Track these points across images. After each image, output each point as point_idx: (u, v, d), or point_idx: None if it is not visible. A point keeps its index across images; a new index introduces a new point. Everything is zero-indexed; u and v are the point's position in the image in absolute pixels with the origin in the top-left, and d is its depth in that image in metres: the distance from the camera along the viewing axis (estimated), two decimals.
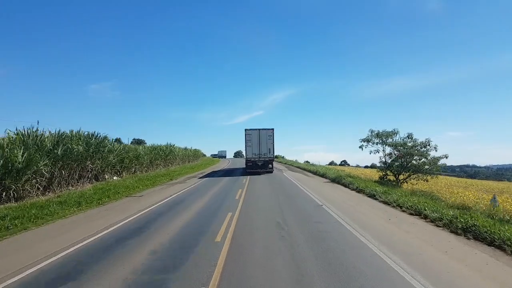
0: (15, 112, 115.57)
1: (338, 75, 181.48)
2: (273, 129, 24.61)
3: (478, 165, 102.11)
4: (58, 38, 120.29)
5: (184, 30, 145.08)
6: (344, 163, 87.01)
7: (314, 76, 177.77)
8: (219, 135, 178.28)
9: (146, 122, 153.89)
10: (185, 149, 47.66)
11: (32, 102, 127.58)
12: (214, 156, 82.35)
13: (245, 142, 24.49)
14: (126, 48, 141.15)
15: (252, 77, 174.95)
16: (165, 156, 33.47)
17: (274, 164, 28.15)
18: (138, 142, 55.66)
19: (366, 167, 67.48)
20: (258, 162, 24.37)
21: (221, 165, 41.79)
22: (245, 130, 24.49)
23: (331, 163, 77.56)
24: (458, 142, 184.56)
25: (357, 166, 70.38)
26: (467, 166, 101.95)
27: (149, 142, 56.59)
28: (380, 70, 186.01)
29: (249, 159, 24.51)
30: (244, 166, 26.04)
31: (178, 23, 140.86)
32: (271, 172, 24.67)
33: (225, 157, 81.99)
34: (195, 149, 55.73)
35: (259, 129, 24.55)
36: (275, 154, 27.18)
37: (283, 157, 62.44)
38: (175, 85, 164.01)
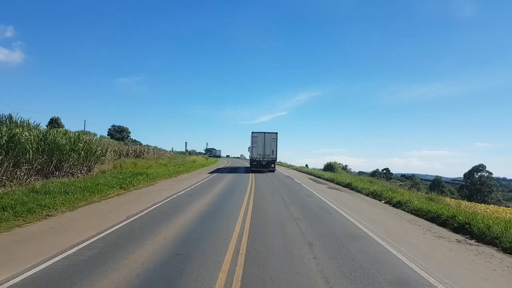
0: (44, 102, 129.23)
1: (362, 78, 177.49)
2: (276, 133, 27.42)
3: (508, 178, 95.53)
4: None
5: (209, 29, 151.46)
6: (387, 171, 77.36)
7: (339, 79, 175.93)
8: (240, 134, 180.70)
9: (165, 118, 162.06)
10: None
11: (51, 93, 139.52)
12: (209, 155, 76.46)
13: (251, 143, 27.48)
14: (153, 45, 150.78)
15: (275, 77, 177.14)
16: None
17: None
18: (119, 130, 43.19)
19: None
20: (262, 162, 27.24)
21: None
22: (252, 132, 27.47)
23: (375, 173, 65.40)
24: (487, 153, 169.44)
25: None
26: (503, 179, 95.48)
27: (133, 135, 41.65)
28: (406, 76, 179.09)
29: (254, 158, 27.46)
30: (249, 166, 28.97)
31: (203, 20, 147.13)
32: (273, 171, 27.41)
33: (219, 156, 79.15)
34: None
35: (265, 132, 27.42)
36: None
37: (344, 166, 37.33)
38: (199, 83, 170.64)
